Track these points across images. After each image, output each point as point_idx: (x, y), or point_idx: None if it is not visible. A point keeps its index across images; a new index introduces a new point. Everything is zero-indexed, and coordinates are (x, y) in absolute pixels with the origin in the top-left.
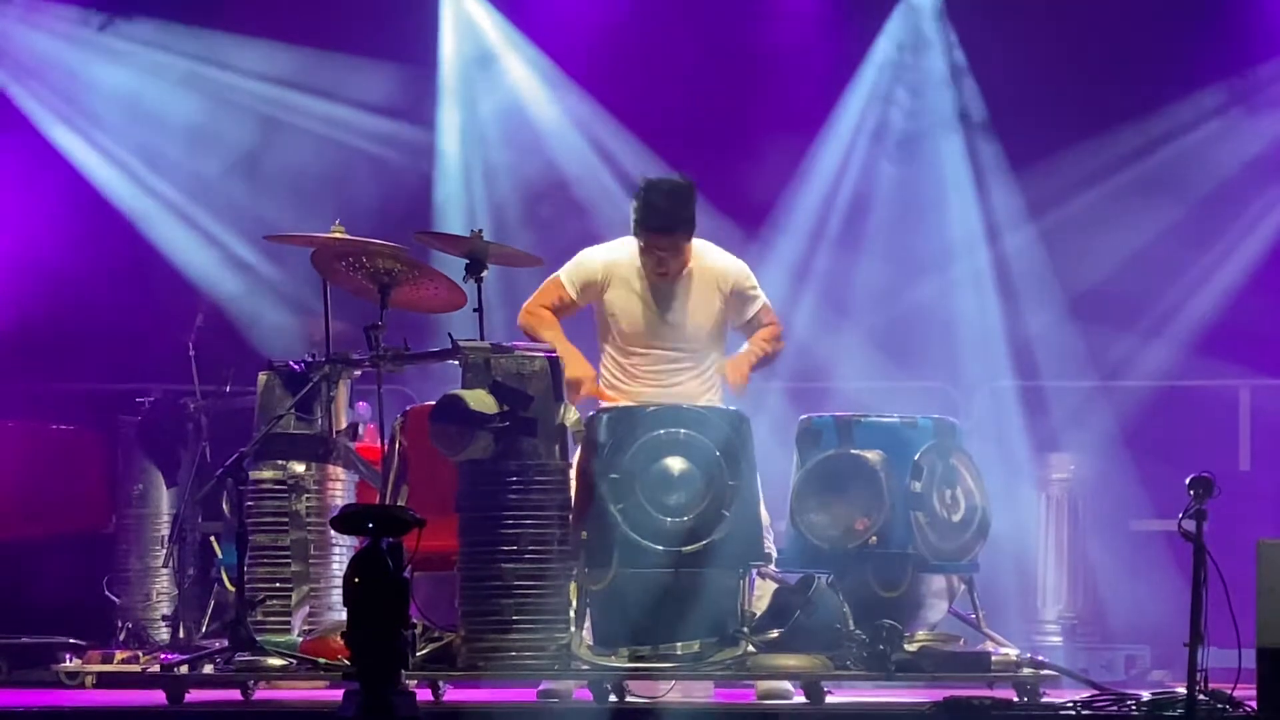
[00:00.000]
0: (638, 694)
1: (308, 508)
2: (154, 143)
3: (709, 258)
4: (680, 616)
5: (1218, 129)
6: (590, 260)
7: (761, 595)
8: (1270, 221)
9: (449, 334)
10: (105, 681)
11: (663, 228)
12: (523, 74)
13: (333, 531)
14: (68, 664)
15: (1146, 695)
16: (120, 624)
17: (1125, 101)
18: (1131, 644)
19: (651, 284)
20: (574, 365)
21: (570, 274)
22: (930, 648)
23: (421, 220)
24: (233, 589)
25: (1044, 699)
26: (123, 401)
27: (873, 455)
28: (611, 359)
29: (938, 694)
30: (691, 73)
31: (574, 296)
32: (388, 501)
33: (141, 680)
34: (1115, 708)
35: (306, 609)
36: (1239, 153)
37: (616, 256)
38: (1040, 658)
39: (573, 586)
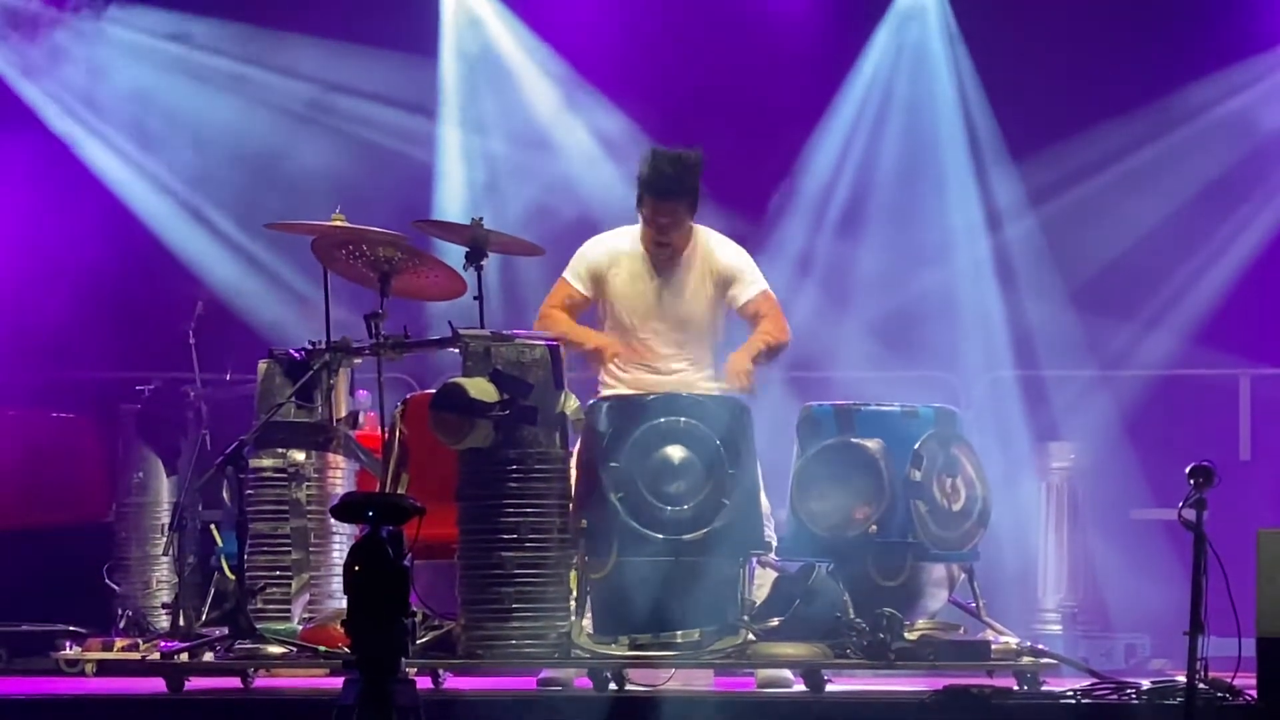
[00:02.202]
0: (638, 682)
1: (308, 496)
2: (154, 131)
3: (710, 244)
4: (680, 605)
5: (1219, 118)
6: (592, 251)
7: (762, 584)
8: (1271, 210)
9: (449, 322)
10: (105, 669)
11: (666, 192)
12: (523, 62)
13: (332, 519)
14: (68, 652)
15: (1146, 684)
16: (120, 612)
17: (1126, 90)
18: (1131, 633)
19: (651, 270)
20: (593, 337)
21: (575, 268)
22: (930, 636)
23: (422, 208)
24: (233, 577)
25: (1044, 687)
26: (123, 390)
27: (873, 444)
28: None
29: (938, 682)
30: (693, 61)
31: (583, 291)
32: (388, 489)
33: (141, 668)
34: (1115, 696)
35: (306, 597)
36: (1240, 141)
37: (617, 244)
38: (1040, 646)
39: (573, 575)
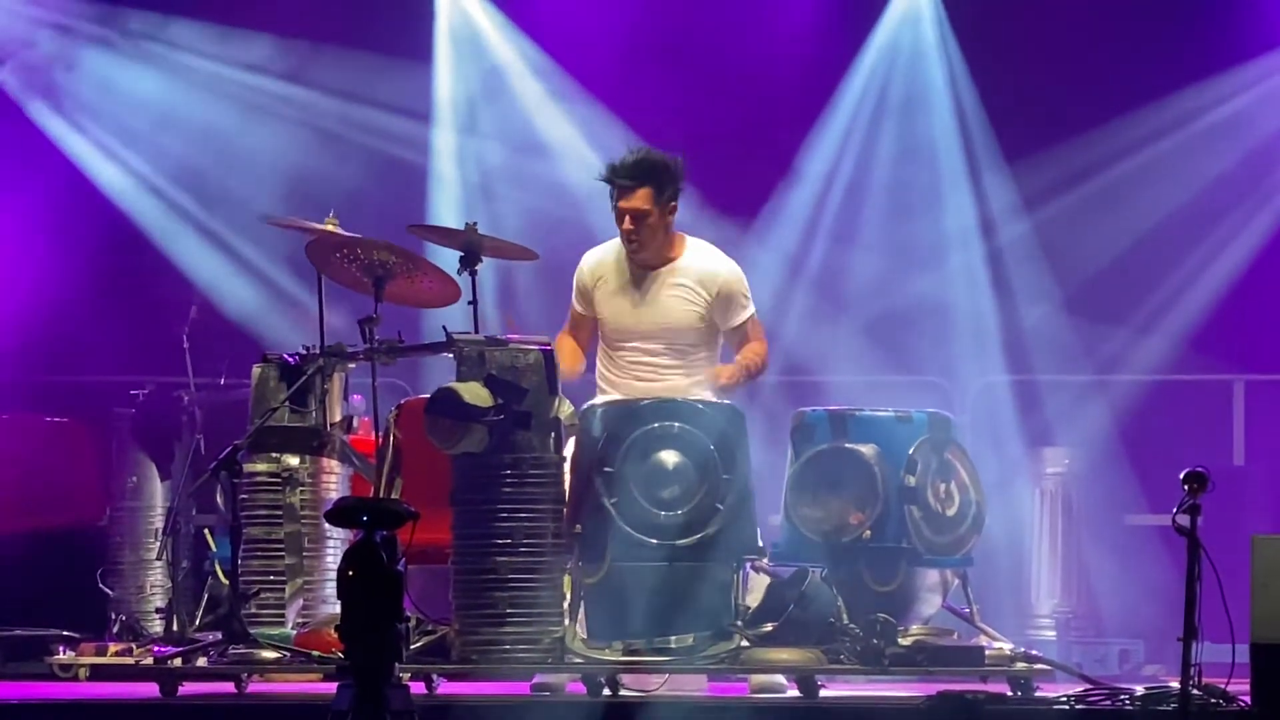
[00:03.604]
0: (631, 687)
1: (302, 500)
2: (147, 135)
3: (702, 257)
4: (674, 610)
5: (1213, 123)
6: (580, 268)
7: (755, 589)
8: (1265, 216)
9: (443, 327)
10: (98, 674)
11: (623, 175)
12: (518, 66)
13: (326, 524)
14: (61, 656)
15: (1140, 690)
16: (114, 617)
17: (1122, 95)
18: (1125, 638)
19: (635, 283)
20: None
21: (574, 288)
22: (924, 642)
23: (416, 213)
24: (226, 582)
25: (1037, 693)
26: (117, 394)
27: (867, 449)
28: (603, 356)
29: (931, 688)
30: (688, 66)
31: (580, 309)
32: (382, 494)
33: (135, 673)
34: (1109, 702)
35: (300, 602)
36: (1234, 146)
37: (602, 255)
38: (1034, 652)
39: (567, 580)
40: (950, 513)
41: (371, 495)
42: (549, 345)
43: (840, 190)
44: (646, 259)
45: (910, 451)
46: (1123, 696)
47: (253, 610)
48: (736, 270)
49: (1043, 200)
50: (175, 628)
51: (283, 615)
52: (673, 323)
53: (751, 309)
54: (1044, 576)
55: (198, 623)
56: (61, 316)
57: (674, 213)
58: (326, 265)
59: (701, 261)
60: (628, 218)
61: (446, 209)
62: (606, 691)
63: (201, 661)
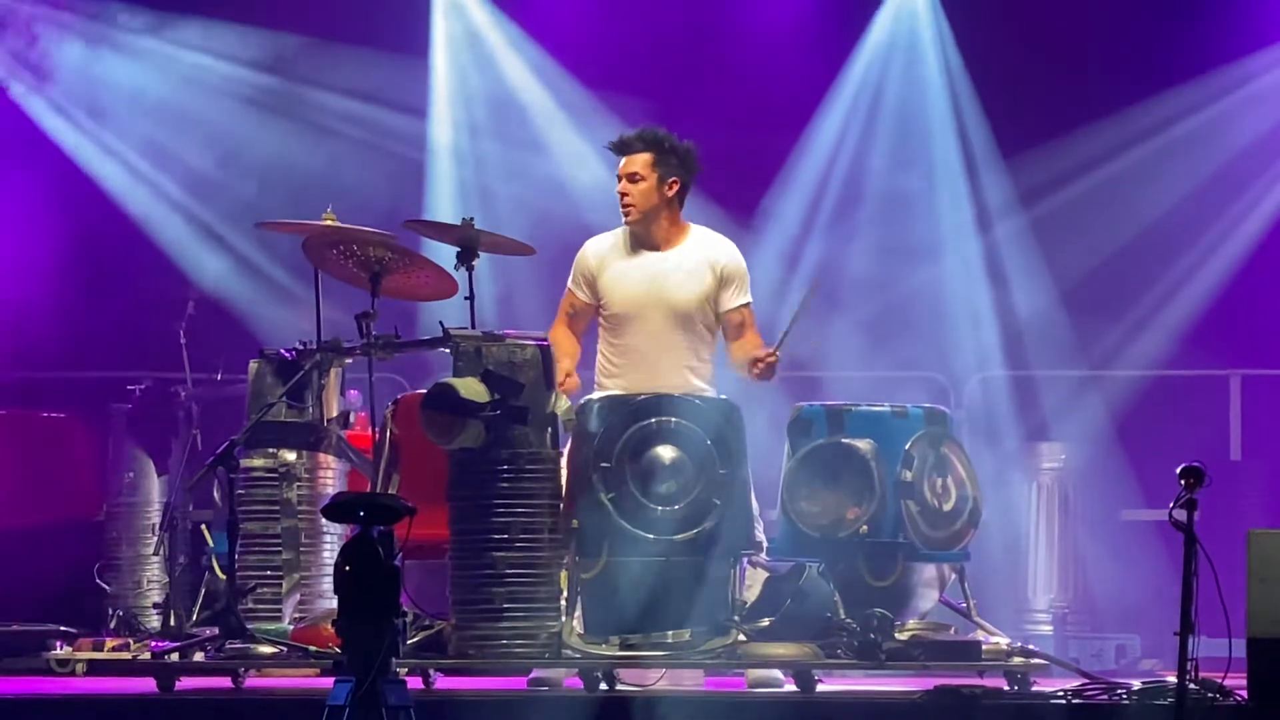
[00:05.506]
0: (628, 682)
1: (299, 496)
2: (144, 130)
3: (707, 241)
4: (671, 605)
5: (1211, 118)
6: (582, 253)
7: (752, 584)
8: (1262, 210)
9: (440, 322)
10: (96, 669)
11: (624, 146)
12: (515, 62)
13: (323, 520)
14: (58, 652)
15: (1137, 684)
16: (111, 612)
17: (1118, 89)
18: (1122, 633)
19: (642, 264)
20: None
21: (573, 274)
22: (921, 636)
23: (412, 208)
24: (223, 577)
25: (1034, 688)
26: (114, 389)
27: (864, 444)
28: (605, 347)
29: (928, 683)
30: (685, 61)
31: (581, 297)
32: (379, 489)
33: (132, 668)
34: (1105, 697)
35: (297, 597)
36: (1231, 142)
37: (606, 241)
38: (1030, 647)
39: (564, 575)
40: (947, 508)
41: (368, 490)
42: (546, 341)
43: (837, 186)
44: (642, 232)
45: (907, 446)
46: (1119, 691)
47: (250, 605)
48: (739, 255)
49: (1039, 195)
50: (172, 623)
51: (280, 610)
52: (679, 304)
53: (749, 297)
54: (1040, 571)
55: (195, 618)
56: (58, 312)
57: (674, 190)
58: (323, 261)
59: (706, 244)
60: (623, 180)
61: (444, 204)
62: (603, 686)
63: (199, 656)
